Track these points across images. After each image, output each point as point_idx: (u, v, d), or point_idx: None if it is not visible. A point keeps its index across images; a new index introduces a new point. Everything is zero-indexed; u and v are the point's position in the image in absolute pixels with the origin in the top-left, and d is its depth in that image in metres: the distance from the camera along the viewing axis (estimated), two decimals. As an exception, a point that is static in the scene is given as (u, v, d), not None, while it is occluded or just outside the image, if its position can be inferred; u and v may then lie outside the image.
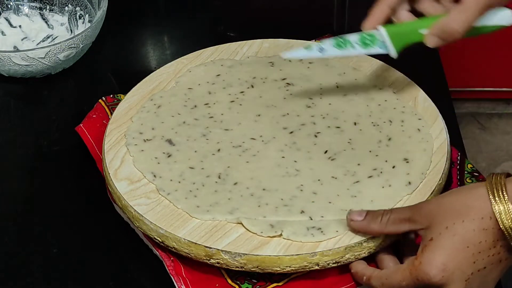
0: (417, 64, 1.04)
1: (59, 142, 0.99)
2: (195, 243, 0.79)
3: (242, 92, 0.96)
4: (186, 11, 1.20)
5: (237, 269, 0.79)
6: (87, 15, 1.12)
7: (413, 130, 0.90)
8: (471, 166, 0.91)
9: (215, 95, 0.95)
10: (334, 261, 0.79)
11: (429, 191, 0.84)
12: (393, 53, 0.88)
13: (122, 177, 0.86)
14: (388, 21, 0.87)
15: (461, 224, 0.72)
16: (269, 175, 0.86)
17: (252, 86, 0.97)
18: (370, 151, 0.88)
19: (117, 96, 0.99)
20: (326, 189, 0.84)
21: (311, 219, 0.81)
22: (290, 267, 0.78)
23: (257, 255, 0.78)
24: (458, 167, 0.91)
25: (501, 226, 0.71)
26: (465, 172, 0.90)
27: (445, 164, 0.86)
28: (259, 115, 0.93)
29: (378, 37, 0.87)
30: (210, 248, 0.79)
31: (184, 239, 0.79)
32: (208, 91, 0.96)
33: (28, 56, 1.02)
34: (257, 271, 0.79)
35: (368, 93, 0.95)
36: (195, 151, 0.88)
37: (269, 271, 0.79)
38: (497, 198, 0.72)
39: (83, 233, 0.88)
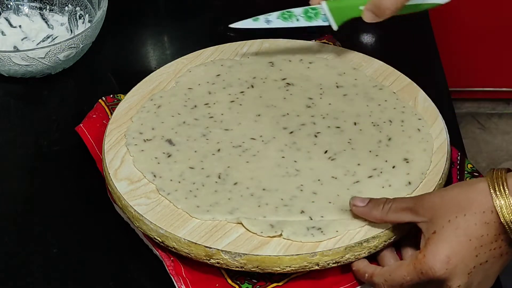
0: (417, 64, 1.05)
1: (59, 142, 0.99)
2: (195, 243, 0.79)
3: (242, 92, 0.96)
4: (186, 11, 1.20)
5: (237, 269, 0.79)
6: (87, 15, 1.12)
7: (413, 130, 0.90)
8: (471, 166, 0.91)
9: (215, 95, 0.95)
10: (334, 261, 0.79)
11: (429, 191, 0.84)
12: (334, 26, 0.93)
13: (122, 177, 0.86)
14: None
15: (463, 217, 0.73)
16: (269, 175, 0.86)
17: (252, 86, 0.97)
18: (370, 151, 0.88)
19: (117, 96, 0.99)
20: (326, 189, 0.84)
21: (311, 219, 0.81)
22: (290, 267, 0.78)
23: (257, 255, 0.78)
24: (458, 167, 0.91)
25: (502, 220, 0.72)
26: (465, 172, 0.90)
27: (445, 164, 0.86)
28: (259, 115, 0.93)
29: (321, 11, 0.92)
30: (210, 248, 0.79)
31: (184, 239, 0.79)
32: (208, 91, 0.96)
33: (28, 56, 1.02)
34: (257, 271, 0.79)
35: (368, 93, 0.95)
36: (195, 151, 0.88)
37: (269, 271, 0.79)
38: (498, 193, 0.72)
39: (83, 233, 0.88)
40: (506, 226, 0.72)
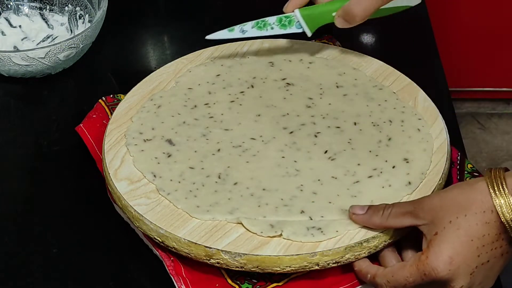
0: (417, 64, 1.04)
1: (59, 142, 0.99)
2: (195, 243, 0.79)
3: (242, 92, 0.96)
4: (186, 11, 1.20)
5: (237, 269, 0.79)
6: (87, 15, 1.12)
7: (413, 130, 0.90)
8: (471, 166, 0.91)
9: (215, 95, 0.95)
10: (334, 261, 0.79)
11: (429, 191, 0.84)
12: (308, 33, 0.95)
13: (122, 177, 0.86)
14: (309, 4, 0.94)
15: (464, 218, 0.73)
16: (269, 175, 0.86)
17: (252, 86, 0.97)
18: (370, 151, 0.88)
19: (117, 96, 0.99)
20: (326, 189, 0.84)
21: (311, 219, 0.81)
22: (290, 267, 0.78)
23: (257, 255, 0.78)
24: (458, 167, 0.91)
25: (502, 219, 0.72)
26: (465, 172, 0.90)
27: (445, 164, 0.86)
28: (259, 115, 0.93)
29: (294, 19, 0.94)
30: (210, 248, 0.79)
31: (184, 239, 0.79)
32: (208, 91, 0.96)
33: (28, 56, 1.02)
34: (257, 271, 0.79)
35: (368, 93, 0.95)
36: (195, 151, 0.88)
37: (269, 271, 0.79)
38: (497, 192, 0.73)
39: (83, 233, 0.88)
40: (507, 225, 0.72)
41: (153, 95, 0.96)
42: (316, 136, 0.90)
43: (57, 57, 1.04)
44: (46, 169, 0.96)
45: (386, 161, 0.87)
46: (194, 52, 1.01)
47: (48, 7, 1.14)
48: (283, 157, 0.88)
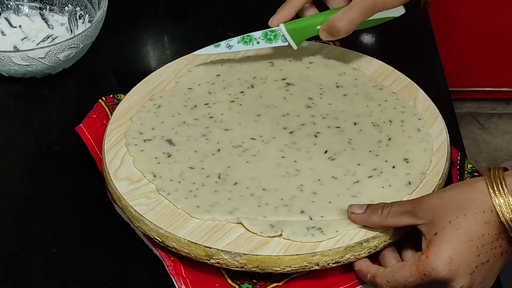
0: (417, 64, 1.04)
1: (59, 142, 0.99)
2: (195, 243, 0.79)
3: (242, 92, 0.96)
4: (186, 11, 1.20)
5: (237, 269, 0.79)
6: (87, 15, 1.12)
7: (413, 130, 0.90)
8: (471, 166, 0.91)
9: (215, 95, 0.95)
10: (334, 261, 0.79)
11: (429, 191, 0.84)
12: (294, 46, 0.96)
13: (122, 177, 0.86)
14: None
15: (464, 218, 0.73)
16: (269, 175, 0.86)
17: (252, 86, 0.97)
18: (370, 151, 0.88)
19: (117, 96, 0.99)
20: (326, 189, 0.84)
21: (311, 219, 0.81)
22: (290, 267, 0.78)
23: (257, 255, 0.78)
24: (458, 167, 0.91)
25: (502, 219, 0.72)
26: (465, 172, 0.90)
27: (445, 164, 0.86)
28: (259, 115, 0.93)
29: (279, 33, 0.95)
30: (210, 248, 0.79)
31: (184, 239, 0.79)
32: (208, 91, 0.96)
33: (28, 56, 1.02)
34: (257, 271, 0.79)
35: (368, 93, 0.95)
36: (195, 151, 0.88)
37: (269, 271, 0.79)
38: (496, 192, 0.73)
39: (83, 233, 0.88)
40: (506, 225, 0.72)
41: (153, 95, 0.96)
42: (316, 136, 0.90)
43: (57, 57, 1.04)
44: (46, 169, 0.96)
45: (386, 161, 0.87)
46: (194, 52, 1.01)
47: (48, 7, 1.14)
48: (283, 157, 0.88)
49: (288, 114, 0.93)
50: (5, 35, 1.12)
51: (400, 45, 1.12)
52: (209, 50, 0.97)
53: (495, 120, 2.06)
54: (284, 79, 0.97)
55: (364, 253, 0.80)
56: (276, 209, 0.82)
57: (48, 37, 1.12)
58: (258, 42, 0.96)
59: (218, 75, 0.98)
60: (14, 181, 0.96)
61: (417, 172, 0.86)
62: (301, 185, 0.84)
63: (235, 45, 0.96)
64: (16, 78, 1.07)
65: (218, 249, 0.78)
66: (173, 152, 0.88)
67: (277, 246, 0.79)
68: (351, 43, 1.03)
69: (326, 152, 0.88)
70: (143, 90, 0.97)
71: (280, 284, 0.80)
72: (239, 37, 0.96)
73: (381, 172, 0.86)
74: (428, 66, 1.08)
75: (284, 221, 0.81)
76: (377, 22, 0.96)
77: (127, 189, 0.85)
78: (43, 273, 0.84)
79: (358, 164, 0.86)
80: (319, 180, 0.85)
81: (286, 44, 0.96)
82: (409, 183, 0.85)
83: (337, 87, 0.96)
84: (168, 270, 0.82)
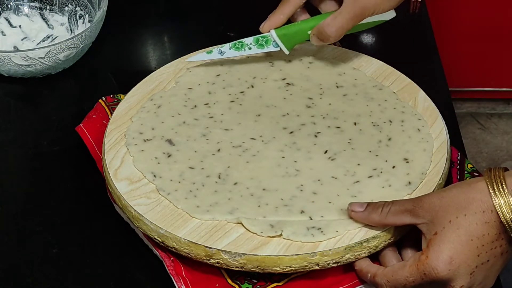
0: (417, 64, 1.04)
1: (59, 142, 0.99)
2: (195, 243, 0.79)
3: (242, 92, 0.96)
4: (186, 11, 1.20)
5: (237, 269, 0.79)
6: (87, 15, 1.12)
7: (413, 130, 0.90)
8: (471, 166, 0.91)
9: (215, 95, 0.96)
10: (334, 261, 0.79)
11: (429, 191, 0.84)
12: (286, 51, 0.97)
13: (122, 177, 0.86)
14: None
15: (464, 217, 0.73)
16: (269, 175, 0.86)
17: (252, 86, 0.97)
18: (370, 151, 0.88)
19: (117, 96, 0.99)
20: (326, 189, 0.84)
21: (311, 219, 0.81)
22: (290, 267, 0.78)
23: (257, 255, 0.78)
24: (458, 167, 0.91)
25: (502, 219, 0.72)
26: (465, 172, 0.90)
27: (445, 164, 0.86)
28: (259, 115, 0.93)
29: (271, 39, 0.96)
30: (210, 248, 0.79)
31: (184, 239, 0.79)
32: (208, 91, 0.96)
33: (28, 56, 1.02)
34: (257, 271, 0.79)
35: (368, 93, 0.95)
36: (195, 151, 0.88)
37: (269, 271, 0.79)
38: (497, 192, 0.73)
39: (83, 233, 0.88)
40: (506, 225, 0.72)
41: (153, 95, 0.96)
42: (316, 136, 0.90)
43: (57, 57, 1.04)
44: (46, 169, 0.96)
45: (386, 161, 0.87)
46: (194, 52, 1.01)
47: (48, 7, 1.14)
48: (283, 157, 0.88)
49: (288, 114, 0.93)
50: (5, 35, 1.12)
51: (400, 45, 1.12)
52: (201, 57, 0.98)
53: (495, 120, 2.06)
54: (284, 79, 0.97)
55: (364, 253, 0.80)
56: (276, 209, 0.82)
57: (48, 37, 1.12)
58: (250, 48, 0.96)
59: (218, 75, 0.98)
60: (14, 181, 0.96)
61: (417, 172, 0.86)
62: (301, 185, 0.84)
63: (227, 51, 0.97)
64: (16, 78, 1.07)
65: (218, 249, 0.78)
66: (173, 152, 0.88)
67: (277, 246, 0.79)
68: (351, 43, 1.04)
69: (326, 152, 0.88)
70: (143, 90, 0.97)
71: (280, 284, 0.80)
72: (231, 43, 0.97)
73: (381, 172, 0.86)
74: (428, 66, 1.08)
75: (284, 221, 0.81)
76: (368, 25, 0.96)
77: (127, 189, 0.85)
78: (43, 273, 0.84)
79: (358, 164, 0.86)
80: (319, 180, 0.85)
81: (278, 49, 0.96)
82: (409, 183, 0.85)
83: (337, 87, 0.96)
84: (168, 270, 0.82)
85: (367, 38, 1.13)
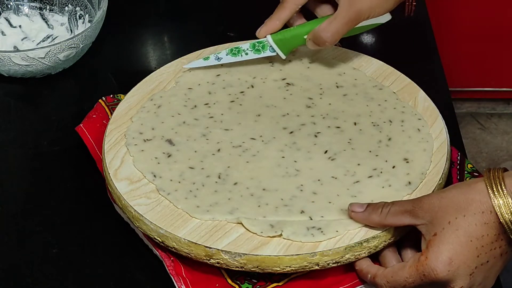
0: (417, 64, 1.04)
1: (59, 142, 0.99)
2: (195, 243, 0.79)
3: (242, 92, 0.96)
4: (186, 11, 1.20)
5: (237, 269, 0.79)
6: (87, 15, 1.12)
7: (413, 130, 0.90)
8: (471, 166, 0.91)
9: (215, 95, 0.96)
10: (334, 261, 0.79)
11: (429, 191, 0.84)
12: (282, 56, 0.97)
13: (122, 177, 0.86)
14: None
15: (463, 218, 0.73)
16: (269, 175, 0.86)
17: (252, 86, 0.97)
18: (370, 151, 0.88)
19: (117, 96, 0.99)
20: (326, 189, 0.84)
21: (311, 219, 0.81)
22: (290, 267, 0.78)
23: (257, 255, 0.78)
24: (458, 167, 0.91)
25: (501, 220, 0.72)
26: (465, 172, 0.90)
27: (445, 164, 0.86)
28: (259, 115, 0.93)
29: (267, 44, 0.96)
30: (210, 248, 0.79)
31: (184, 239, 0.79)
32: (208, 91, 0.96)
33: (28, 56, 1.02)
34: (257, 271, 0.79)
35: (368, 93, 0.95)
36: (195, 151, 0.88)
37: (269, 271, 0.79)
38: (496, 192, 0.73)
39: (83, 233, 0.88)
40: (506, 226, 0.72)
41: (153, 95, 0.96)
42: (316, 136, 0.90)
43: (57, 57, 1.04)
44: (46, 169, 0.96)
45: (386, 161, 0.87)
46: (194, 52, 1.01)
47: (48, 7, 1.14)
48: (283, 157, 0.88)
49: (288, 114, 0.93)
50: (5, 35, 1.12)
51: (400, 45, 1.12)
52: (199, 63, 0.98)
53: (495, 120, 2.06)
54: (284, 79, 0.97)
55: (364, 253, 0.80)
56: (276, 209, 0.82)
57: (48, 37, 1.12)
58: (246, 53, 0.97)
59: (218, 75, 0.98)
60: (14, 181, 0.96)
61: (417, 172, 0.86)
62: (301, 185, 0.84)
63: (224, 57, 0.97)
64: (16, 78, 1.07)
65: (218, 249, 0.78)
66: (173, 152, 0.88)
67: (277, 246, 0.79)
68: (351, 43, 1.04)
69: (326, 152, 0.88)
70: (143, 90, 0.97)
71: (280, 284, 0.80)
72: (227, 49, 0.97)
73: (381, 172, 0.86)
74: (428, 66, 1.08)
75: (284, 221, 0.81)
76: (364, 29, 0.96)
77: (127, 189, 0.85)
78: (43, 273, 0.84)
79: (358, 164, 0.86)
80: (319, 180, 0.85)
81: (275, 54, 0.96)
82: (409, 183, 0.85)
83: (337, 87, 0.96)
84: (168, 270, 0.82)
85: (367, 38, 1.13)
